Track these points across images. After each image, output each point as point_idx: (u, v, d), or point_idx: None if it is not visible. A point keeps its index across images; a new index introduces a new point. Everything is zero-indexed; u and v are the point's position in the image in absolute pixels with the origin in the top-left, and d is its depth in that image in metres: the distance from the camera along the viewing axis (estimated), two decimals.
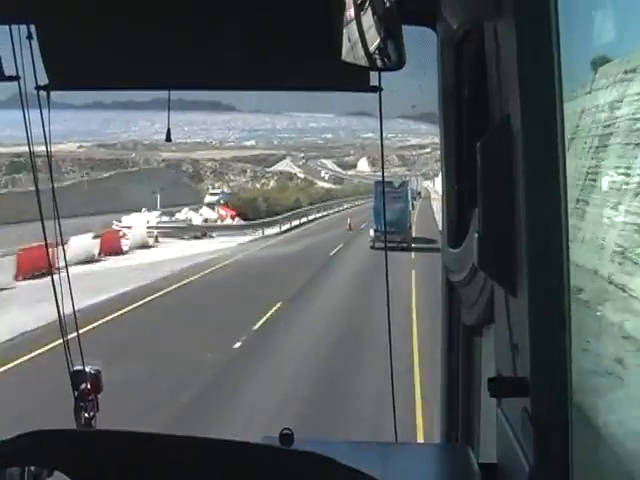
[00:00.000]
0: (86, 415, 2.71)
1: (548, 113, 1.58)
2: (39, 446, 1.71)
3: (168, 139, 3.08)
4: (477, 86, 2.17)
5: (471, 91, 2.34)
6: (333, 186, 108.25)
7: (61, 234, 2.88)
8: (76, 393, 2.76)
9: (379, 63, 2.15)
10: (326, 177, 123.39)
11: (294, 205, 63.04)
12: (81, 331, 3.03)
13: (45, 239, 2.80)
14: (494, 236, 1.76)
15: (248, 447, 1.69)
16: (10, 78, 2.63)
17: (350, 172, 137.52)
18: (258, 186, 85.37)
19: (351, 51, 2.14)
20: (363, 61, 2.15)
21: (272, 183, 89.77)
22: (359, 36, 2.10)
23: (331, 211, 67.93)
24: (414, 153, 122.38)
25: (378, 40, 2.11)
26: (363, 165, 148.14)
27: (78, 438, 1.84)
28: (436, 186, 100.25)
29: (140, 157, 77.32)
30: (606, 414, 2.48)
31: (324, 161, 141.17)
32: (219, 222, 49.37)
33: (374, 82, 2.59)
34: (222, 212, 51.48)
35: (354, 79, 2.61)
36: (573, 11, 2.04)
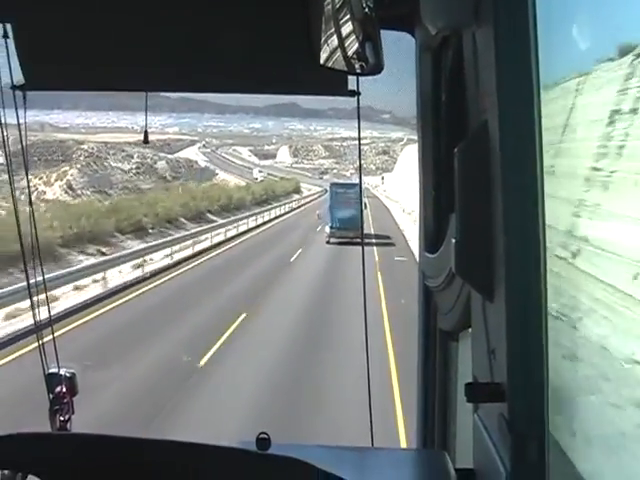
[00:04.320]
0: (61, 418, 2.72)
1: (525, 119, 1.63)
2: (13, 450, 1.75)
3: (146, 141, 3.13)
4: (455, 92, 2.22)
5: (449, 97, 2.40)
6: (242, 182, 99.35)
7: (36, 235, 2.91)
8: (51, 396, 2.77)
9: (357, 68, 2.22)
10: (236, 167, 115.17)
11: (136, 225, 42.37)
12: None
13: (21, 243, 2.82)
14: (471, 241, 1.82)
15: (225, 451, 1.73)
16: None
17: (266, 162, 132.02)
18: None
19: (329, 56, 2.18)
20: (341, 66, 2.23)
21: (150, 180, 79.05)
22: (337, 40, 2.14)
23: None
24: (344, 144, 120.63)
25: (356, 45, 2.15)
26: (284, 154, 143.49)
27: (53, 441, 1.88)
28: (386, 185, 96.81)
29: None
30: (583, 419, 2.58)
31: (239, 149, 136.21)
32: None
33: (352, 86, 2.68)
34: None
35: (332, 84, 2.68)
36: (552, 18, 2.11)
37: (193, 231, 42.08)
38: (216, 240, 40.99)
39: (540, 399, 1.63)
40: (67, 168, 67.56)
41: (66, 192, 65.21)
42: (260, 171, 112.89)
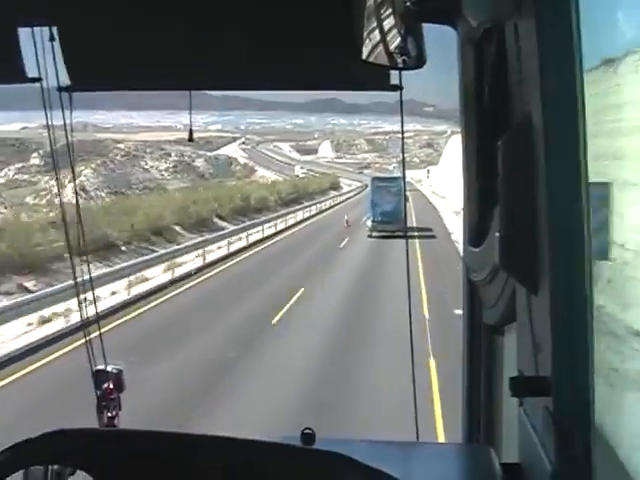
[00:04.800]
0: (109, 415, 2.80)
1: (569, 111, 1.62)
2: (62, 445, 1.76)
3: (190, 139, 3.19)
4: (498, 84, 2.20)
5: (492, 89, 2.37)
6: (279, 178, 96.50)
7: (83, 235, 2.99)
8: (98, 392, 2.84)
9: (400, 62, 2.27)
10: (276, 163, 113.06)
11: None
12: None
13: (68, 241, 2.90)
14: (515, 235, 1.81)
15: (270, 446, 1.72)
16: (33, 80, 2.77)
17: (307, 157, 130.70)
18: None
19: (372, 51, 2.22)
20: (384, 60, 2.25)
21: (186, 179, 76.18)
22: (380, 35, 2.18)
23: None
24: (387, 138, 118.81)
25: (399, 39, 2.20)
26: (325, 149, 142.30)
27: (101, 437, 1.88)
28: (432, 179, 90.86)
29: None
30: (629, 413, 2.53)
31: (281, 145, 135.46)
32: None
33: (394, 81, 2.70)
34: None
35: (375, 79, 2.69)
36: (595, 6, 2.11)
37: (168, 251, 32.26)
38: (217, 255, 33.66)
39: (585, 393, 1.62)
40: (82, 168, 63.52)
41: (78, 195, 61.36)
42: (302, 167, 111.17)
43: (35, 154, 69.07)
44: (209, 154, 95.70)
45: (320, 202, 73.86)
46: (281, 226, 48.38)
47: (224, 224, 48.04)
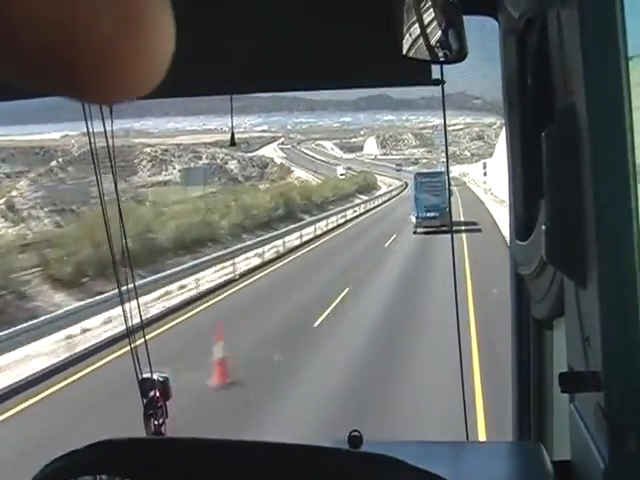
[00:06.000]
0: (155, 423, 2.79)
1: (615, 101, 1.60)
2: (110, 455, 1.79)
3: (232, 144, 3.22)
4: (541, 75, 2.19)
5: (535, 80, 2.36)
6: (317, 179, 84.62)
7: (126, 243, 3.04)
8: (144, 401, 2.84)
9: (441, 56, 2.25)
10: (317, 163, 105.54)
11: None
12: None
13: (111, 248, 2.95)
14: (562, 228, 1.80)
15: (317, 450, 1.75)
16: None
17: (349, 155, 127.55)
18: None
19: (412, 45, 2.19)
20: (424, 55, 2.23)
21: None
22: (420, 29, 2.16)
23: None
24: (436, 132, 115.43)
25: (439, 32, 2.18)
26: (371, 146, 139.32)
27: (149, 446, 1.91)
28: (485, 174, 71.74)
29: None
30: None
31: (324, 143, 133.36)
32: None
33: (437, 75, 2.66)
34: None
35: (415, 73, 2.67)
36: None
37: None
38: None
39: (638, 387, 1.60)
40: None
41: (3, 216, 44.21)
42: (344, 168, 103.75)
43: (54, 162, 65.24)
44: (247, 155, 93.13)
45: (343, 211, 55.55)
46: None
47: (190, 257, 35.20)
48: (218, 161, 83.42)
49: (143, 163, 75.48)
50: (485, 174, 72.64)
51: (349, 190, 73.88)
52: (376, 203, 67.69)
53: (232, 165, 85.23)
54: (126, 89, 0.60)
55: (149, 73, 0.61)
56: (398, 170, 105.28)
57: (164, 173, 75.31)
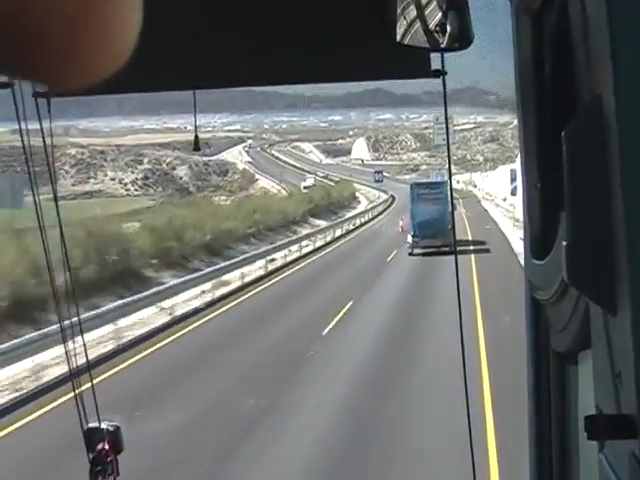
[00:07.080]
0: None
1: None
2: None
3: (196, 148, 3.19)
4: (561, 62, 2.12)
5: (554, 69, 2.28)
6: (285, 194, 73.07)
7: (68, 263, 3.00)
8: (91, 455, 2.76)
9: (442, 43, 2.28)
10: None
11: None
12: None
13: (51, 278, 2.89)
14: (586, 244, 1.72)
15: None
16: (3, 85, 2.66)
17: (331, 161, 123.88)
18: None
19: (407, 30, 2.14)
20: (422, 42, 2.23)
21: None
22: (417, 12, 2.14)
23: None
24: (436, 125, 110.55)
25: (439, 15, 2.15)
26: (360, 149, 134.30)
27: None
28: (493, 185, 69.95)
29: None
30: None
31: (302, 145, 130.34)
32: None
33: (435, 65, 2.58)
34: None
35: (412, 64, 2.58)
36: None
37: None
38: None
39: None
40: None
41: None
42: (321, 176, 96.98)
43: None
44: (203, 159, 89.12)
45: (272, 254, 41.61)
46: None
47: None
48: (164, 166, 79.12)
49: (66, 168, 72.33)
50: (514, 192, 53.00)
51: (294, 212, 55.60)
52: (339, 233, 54.03)
53: (181, 171, 79.96)
54: (84, 74, 0.65)
55: (109, 60, 0.64)
56: (378, 181, 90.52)
57: (92, 181, 71.72)
